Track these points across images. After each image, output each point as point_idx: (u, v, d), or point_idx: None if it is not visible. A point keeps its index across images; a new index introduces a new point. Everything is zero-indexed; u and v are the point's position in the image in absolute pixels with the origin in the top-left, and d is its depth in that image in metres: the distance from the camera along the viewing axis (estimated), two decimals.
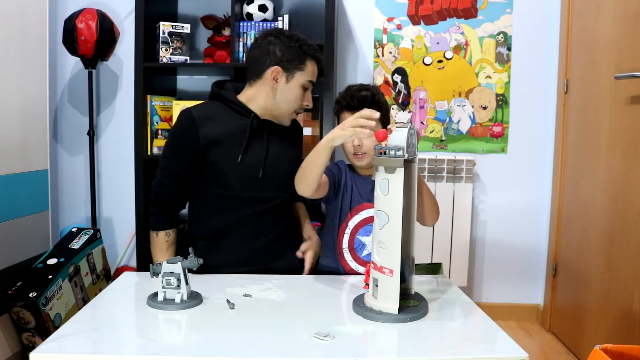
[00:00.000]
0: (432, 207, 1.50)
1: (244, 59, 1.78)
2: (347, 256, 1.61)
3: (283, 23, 2.39)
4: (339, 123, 1.54)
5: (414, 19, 2.70)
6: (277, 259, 1.64)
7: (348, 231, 1.60)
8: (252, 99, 1.66)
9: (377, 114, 1.28)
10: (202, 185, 1.64)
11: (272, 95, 1.63)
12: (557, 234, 2.61)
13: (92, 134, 2.60)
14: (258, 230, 1.63)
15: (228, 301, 1.28)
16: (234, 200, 1.61)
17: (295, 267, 1.65)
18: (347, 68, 2.73)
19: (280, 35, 1.61)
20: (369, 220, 1.58)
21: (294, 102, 1.63)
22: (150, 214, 1.67)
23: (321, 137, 2.43)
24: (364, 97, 1.56)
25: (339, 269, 1.61)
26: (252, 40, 1.71)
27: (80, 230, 2.33)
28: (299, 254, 1.64)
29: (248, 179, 1.61)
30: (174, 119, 2.42)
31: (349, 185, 1.62)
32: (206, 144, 1.57)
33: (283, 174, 1.65)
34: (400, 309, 1.18)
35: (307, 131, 2.39)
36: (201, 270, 1.45)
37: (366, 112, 1.29)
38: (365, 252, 1.60)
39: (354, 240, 1.60)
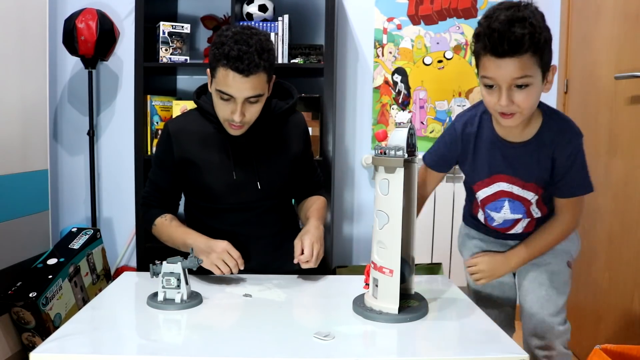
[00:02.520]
0: None
1: None
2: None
3: (283, 23, 2.39)
4: (477, 66, 1.23)
5: (414, 19, 2.70)
6: (275, 259, 1.62)
7: (478, 203, 1.50)
8: None
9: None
10: (188, 196, 1.66)
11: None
12: None
13: (92, 134, 2.60)
14: (252, 234, 1.60)
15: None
16: (223, 211, 1.60)
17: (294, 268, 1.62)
18: (347, 68, 2.73)
19: (223, 33, 1.43)
20: (500, 194, 1.40)
21: (218, 110, 1.49)
22: (142, 218, 1.67)
23: (321, 137, 2.44)
24: (519, 37, 1.11)
25: None
26: None
27: (80, 230, 2.33)
28: (295, 261, 1.48)
29: (236, 192, 1.58)
30: None
31: (480, 153, 1.39)
32: (181, 160, 1.56)
33: (274, 180, 1.61)
34: (400, 309, 1.18)
35: None
36: (201, 270, 1.45)
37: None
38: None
39: (484, 212, 1.49)
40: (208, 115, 1.57)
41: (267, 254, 1.62)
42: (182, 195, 1.70)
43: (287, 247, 1.54)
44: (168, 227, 1.57)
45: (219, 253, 1.40)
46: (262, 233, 1.61)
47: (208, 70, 1.48)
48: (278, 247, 1.63)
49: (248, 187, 1.57)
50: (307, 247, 1.44)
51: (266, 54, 1.41)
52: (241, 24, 2.23)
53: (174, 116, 2.41)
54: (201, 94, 1.65)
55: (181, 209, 1.71)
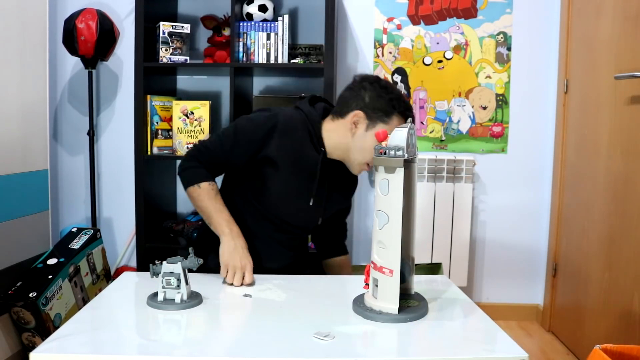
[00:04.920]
0: None
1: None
2: None
3: (283, 23, 2.39)
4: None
5: (414, 19, 2.70)
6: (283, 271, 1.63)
7: None
8: (329, 133, 1.59)
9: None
10: (240, 187, 1.61)
11: (348, 139, 1.55)
12: (557, 234, 2.61)
13: (92, 134, 2.60)
14: (275, 250, 1.62)
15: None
16: (267, 219, 1.60)
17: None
18: (347, 68, 2.73)
19: (375, 83, 1.54)
20: None
21: (367, 153, 1.52)
22: (184, 170, 1.58)
23: None
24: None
25: None
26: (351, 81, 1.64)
27: (80, 230, 2.33)
28: None
29: (297, 215, 1.61)
30: (174, 119, 2.42)
31: None
32: (266, 158, 1.52)
33: (328, 219, 1.69)
34: (400, 309, 1.18)
35: None
36: (201, 270, 1.45)
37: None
38: None
39: None
40: (312, 132, 1.56)
41: (279, 269, 1.62)
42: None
43: (297, 269, 1.65)
44: (213, 198, 1.52)
45: (239, 267, 1.43)
46: (287, 253, 1.65)
47: (362, 114, 1.51)
48: (292, 267, 1.66)
49: (309, 217, 1.63)
50: None
51: None
52: (242, 24, 2.23)
53: (174, 116, 2.42)
54: (310, 104, 1.64)
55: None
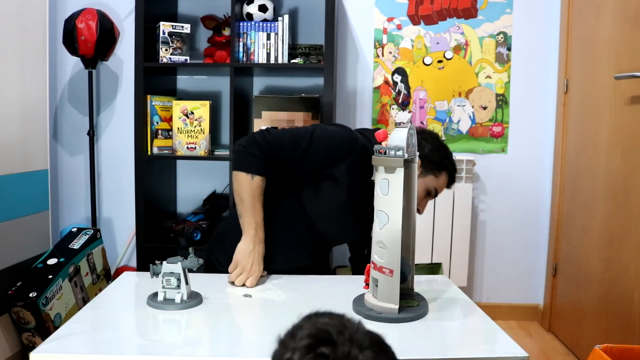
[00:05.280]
0: None
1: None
2: None
3: (283, 23, 2.39)
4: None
5: (414, 19, 2.70)
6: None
7: None
8: None
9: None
10: (299, 193, 1.58)
11: None
12: (557, 234, 2.61)
13: (92, 134, 2.60)
14: (294, 255, 1.62)
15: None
16: (307, 226, 1.60)
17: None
18: (347, 68, 2.73)
19: (437, 139, 1.62)
20: None
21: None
22: (243, 149, 1.50)
23: None
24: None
25: None
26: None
27: (80, 230, 2.33)
28: None
29: (337, 233, 1.65)
30: (174, 119, 2.42)
31: None
32: (332, 177, 1.52)
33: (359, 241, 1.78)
34: (400, 309, 1.18)
35: None
36: (201, 270, 1.46)
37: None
38: None
39: None
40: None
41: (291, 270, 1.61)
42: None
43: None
44: (258, 197, 1.49)
45: (248, 270, 1.44)
46: (309, 262, 1.65)
47: (419, 160, 1.51)
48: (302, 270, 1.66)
49: (346, 237, 1.70)
50: None
51: None
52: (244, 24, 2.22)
53: (174, 116, 2.42)
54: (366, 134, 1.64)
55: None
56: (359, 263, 1.88)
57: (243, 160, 1.50)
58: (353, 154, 1.51)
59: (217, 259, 1.63)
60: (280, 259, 1.57)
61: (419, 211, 1.58)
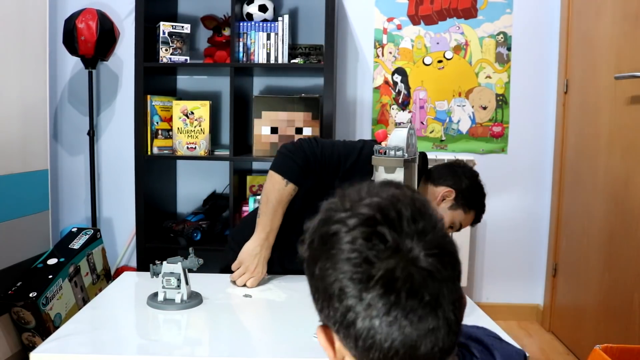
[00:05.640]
0: None
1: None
2: None
3: (283, 23, 2.39)
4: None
5: (414, 19, 2.70)
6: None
7: None
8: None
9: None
10: (307, 196, 1.55)
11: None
12: (557, 234, 2.61)
13: (92, 134, 2.60)
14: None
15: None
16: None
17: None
18: (347, 68, 2.73)
19: (477, 178, 1.65)
20: None
21: None
22: (288, 154, 1.50)
23: (321, 137, 2.43)
24: None
25: None
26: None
27: (80, 230, 2.33)
28: None
29: None
30: (174, 119, 2.42)
31: None
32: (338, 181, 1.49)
33: None
34: None
35: (307, 131, 2.39)
36: (201, 270, 1.45)
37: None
38: None
39: None
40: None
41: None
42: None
43: None
44: (283, 203, 1.49)
45: (251, 271, 1.44)
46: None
47: (455, 191, 1.59)
48: None
49: None
50: None
51: None
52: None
53: (174, 116, 2.42)
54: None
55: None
56: None
57: (284, 163, 1.50)
58: (363, 158, 1.48)
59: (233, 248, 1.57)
60: (284, 260, 1.56)
61: None
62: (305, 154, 1.49)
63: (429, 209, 0.58)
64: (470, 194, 1.60)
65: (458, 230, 1.64)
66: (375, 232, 0.54)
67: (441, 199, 1.60)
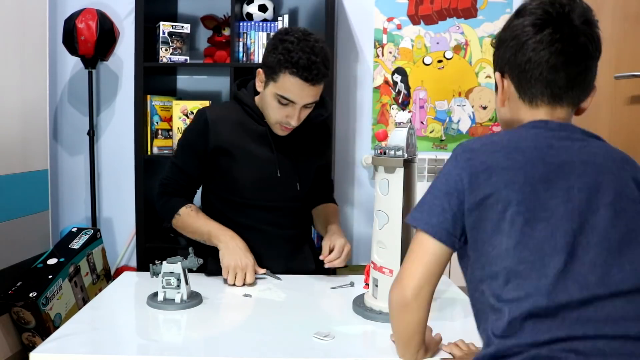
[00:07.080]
0: None
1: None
2: None
3: (283, 23, 2.39)
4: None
5: (414, 19, 2.70)
6: (295, 260, 1.61)
7: None
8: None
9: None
10: (214, 188, 1.61)
11: (261, 97, 1.54)
12: None
13: (92, 134, 2.60)
14: (275, 234, 1.58)
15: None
16: (251, 207, 1.57)
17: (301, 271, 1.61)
18: (347, 68, 2.73)
19: (277, 35, 1.45)
20: None
21: (271, 112, 1.48)
22: (160, 208, 1.61)
23: None
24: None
25: None
26: None
27: (80, 230, 2.33)
28: (322, 257, 1.48)
29: (274, 189, 1.56)
30: (174, 119, 2.42)
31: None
32: (217, 149, 1.52)
33: (308, 182, 1.64)
34: None
35: None
36: (201, 270, 1.45)
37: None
38: None
39: None
40: (247, 108, 1.56)
41: (287, 255, 1.60)
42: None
43: (306, 249, 1.65)
44: (195, 218, 1.55)
45: (241, 268, 1.43)
46: (284, 234, 1.60)
47: (261, 70, 1.48)
48: (297, 249, 1.64)
49: (287, 186, 1.58)
50: (337, 247, 1.48)
51: (329, 63, 1.45)
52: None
53: (174, 116, 2.42)
54: (240, 87, 1.64)
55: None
56: (310, 199, 1.74)
57: (164, 214, 1.62)
58: (209, 122, 1.52)
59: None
60: (262, 251, 1.54)
61: (289, 124, 1.47)
62: (160, 192, 1.61)
63: None
64: (269, 59, 1.44)
65: (293, 102, 1.45)
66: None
67: (260, 83, 1.50)
